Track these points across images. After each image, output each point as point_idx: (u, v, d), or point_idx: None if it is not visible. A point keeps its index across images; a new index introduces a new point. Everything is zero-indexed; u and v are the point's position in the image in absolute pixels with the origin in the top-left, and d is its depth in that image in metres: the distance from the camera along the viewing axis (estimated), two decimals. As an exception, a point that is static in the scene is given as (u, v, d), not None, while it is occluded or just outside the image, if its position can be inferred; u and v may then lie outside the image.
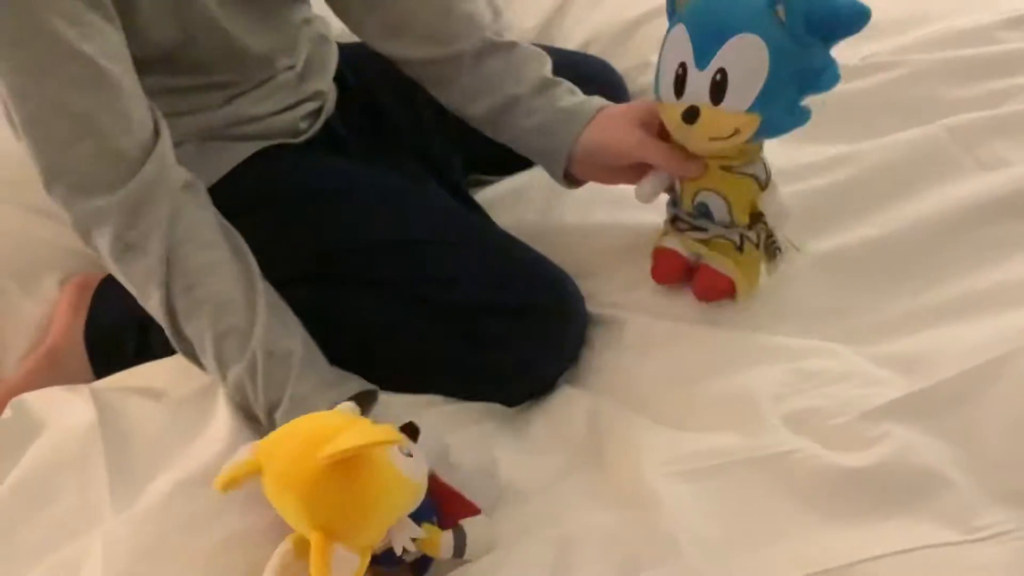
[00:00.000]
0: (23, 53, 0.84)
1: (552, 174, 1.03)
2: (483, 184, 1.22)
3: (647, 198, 0.96)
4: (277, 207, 1.02)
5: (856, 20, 0.82)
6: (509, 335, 0.96)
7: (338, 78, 1.19)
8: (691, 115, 0.86)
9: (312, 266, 1.00)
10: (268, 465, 0.74)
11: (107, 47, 0.87)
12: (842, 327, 0.93)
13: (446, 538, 0.80)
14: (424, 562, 0.82)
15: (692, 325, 0.96)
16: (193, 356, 0.90)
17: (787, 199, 0.93)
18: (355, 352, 0.93)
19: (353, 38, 1.10)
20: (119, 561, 0.79)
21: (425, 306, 0.96)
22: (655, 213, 1.01)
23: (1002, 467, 0.77)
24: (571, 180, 1.03)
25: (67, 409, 0.95)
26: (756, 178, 0.92)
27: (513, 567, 0.78)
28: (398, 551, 0.77)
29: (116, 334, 1.07)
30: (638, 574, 0.72)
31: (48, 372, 1.06)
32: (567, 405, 0.95)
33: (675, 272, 0.98)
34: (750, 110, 0.84)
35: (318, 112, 1.14)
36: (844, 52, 1.08)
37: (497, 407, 0.97)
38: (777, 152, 1.00)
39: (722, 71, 0.84)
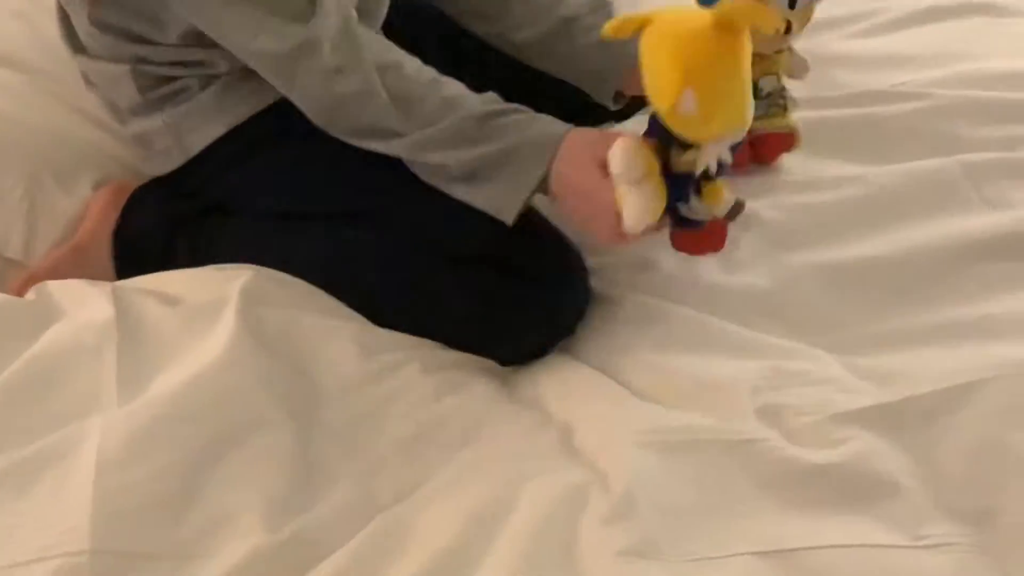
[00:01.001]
0: None
1: (602, 93, 1.10)
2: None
3: None
4: (309, 142, 1.06)
5: None
6: (513, 298, 1.00)
7: (386, 23, 1.23)
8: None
9: (337, 204, 1.05)
10: (655, 20, 0.84)
11: None
12: (829, 335, 0.97)
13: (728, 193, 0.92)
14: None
15: (688, 311, 1.00)
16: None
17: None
18: (362, 289, 0.98)
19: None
20: (114, 444, 0.82)
21: (437, 251, 1.00)
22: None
23: (956, 486, 0.81)
24: (617, 97, 1.10)
25: (87, 301, 1.00)
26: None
27: (468, 497, 0.82)
28: (712, 166, 0.89)
29: (144, 240, 1.11)
30: (593, 524, 0.76)
31: (73, 266, 1.11)
32: (556, 370, 0.99)
33: (741, 154, 1.02)
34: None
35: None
36: (876, 78, 1.13)
37: (489, 362, 1.02)
38: (796, 165, 1.04)
39: None
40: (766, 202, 1.07)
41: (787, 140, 1.12)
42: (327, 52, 0.95)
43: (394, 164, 1.05)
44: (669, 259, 1.04)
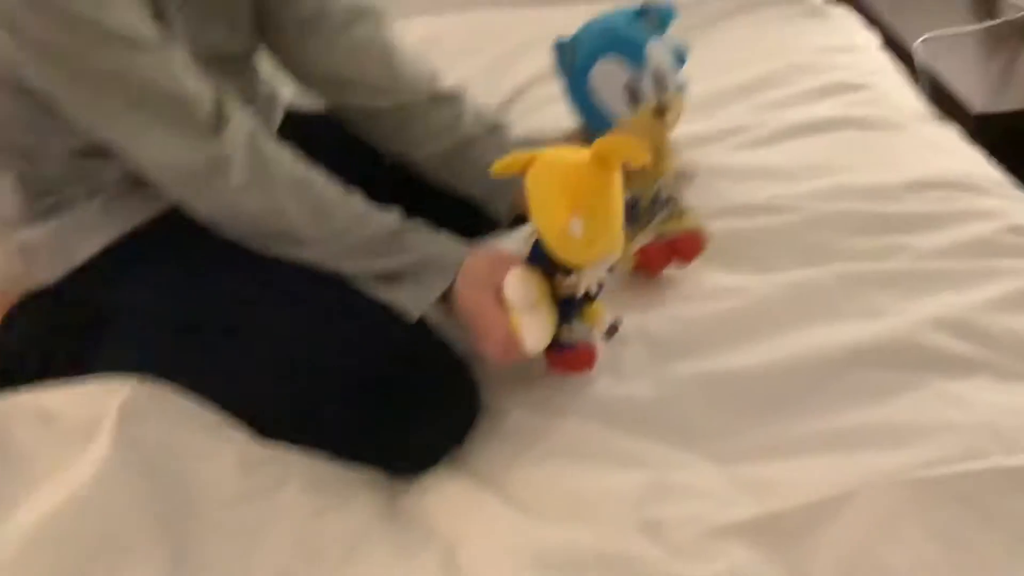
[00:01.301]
0: None
1: (496, 211, 1.16)
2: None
3: None
4: (193, 254, 1.06)
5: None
6: (401, 410, 1.00)
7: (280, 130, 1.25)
8: (661, 110, 1.08)
9: (221, 316, 1.04)
10: (540, 158, 0.91)
11: None
12: (712, 445, 0.99)
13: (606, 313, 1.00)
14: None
15: (572, 422, 1.01)
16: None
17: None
18: (244, 402, 0.97)
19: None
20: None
21: (323, 364, 1.00)
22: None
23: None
24: (510, 213, 1.17)
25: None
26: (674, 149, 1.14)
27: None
28: (593, 288, 0.96)
29: (23, 353, 1.09)
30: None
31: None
32: (443, 483, 0.99)
33: (661, 257, 1.13)
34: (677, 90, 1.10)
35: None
36: (750, 190, 1.17)
37: (376, 474, 1.01)
38: (679, 277, 1.06)
39: (657, 71, 1.08)
40: (651, 315, 1.09)
41: (698, 241, 1.15)
42: (236, 168, 0.96)
43: (279, 279, 1.05)
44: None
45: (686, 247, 1.13)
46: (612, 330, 1.01)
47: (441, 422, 1.02)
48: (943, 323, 1.10)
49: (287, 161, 1.01)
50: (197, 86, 0.97)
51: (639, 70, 1.08)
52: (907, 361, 1.06)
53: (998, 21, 2.04)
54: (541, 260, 0.96)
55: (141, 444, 0.93)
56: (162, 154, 0.96)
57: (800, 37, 1.60)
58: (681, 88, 1.12)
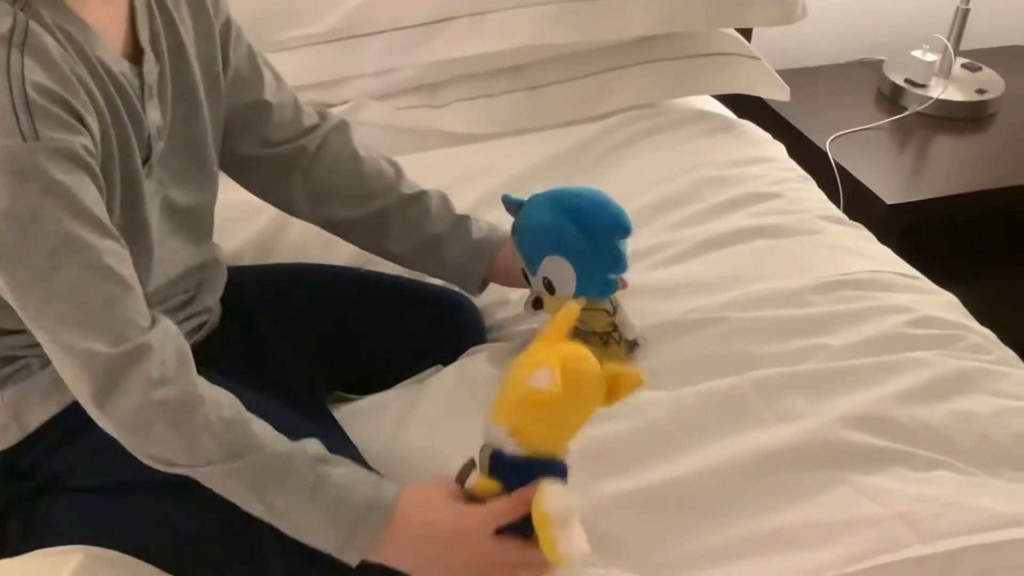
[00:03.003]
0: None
1: (468, 288, 1.30)
2: (345, 401, 1.31)
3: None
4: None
5: (623, 228, 1.16)
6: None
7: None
8: (537, 303, 1.20)
9: (161, 476, 1.07)
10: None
11: None
12: (644, 558, 1.03)
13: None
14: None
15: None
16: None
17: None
18: (189, 562, 1.02)
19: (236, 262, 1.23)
20: None
21: (260, 523, 1.01)
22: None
23: None
24: (480, 289, 1.29)
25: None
26: (607, 310, 1.20)
27: None
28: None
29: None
30: None
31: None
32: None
33: None
34: (575, 296, 1.16)
35: (201, 327, 1.24)
36: (670, 306, 1.23)
37: None
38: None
39: (546, 279, 1.18)
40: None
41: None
42: (155, 360, 0.94)
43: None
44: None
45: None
46: None
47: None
48: (857, 419, 1.16)
49: (207, 384, 0.98)
50: (137, 286, 0.97)
51: (531, 267, 1.19)
52: (824, 460, 1.12)
53: (904, 115, 2.16)
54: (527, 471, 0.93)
55: (92, 612, 0.95)
56: (85, 341, 0.92)
57: (711, 153, 1.69)
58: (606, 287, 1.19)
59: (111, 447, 1.09)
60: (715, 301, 1.33)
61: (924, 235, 1.91)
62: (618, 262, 1.17)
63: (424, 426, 1.19)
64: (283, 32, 1.70)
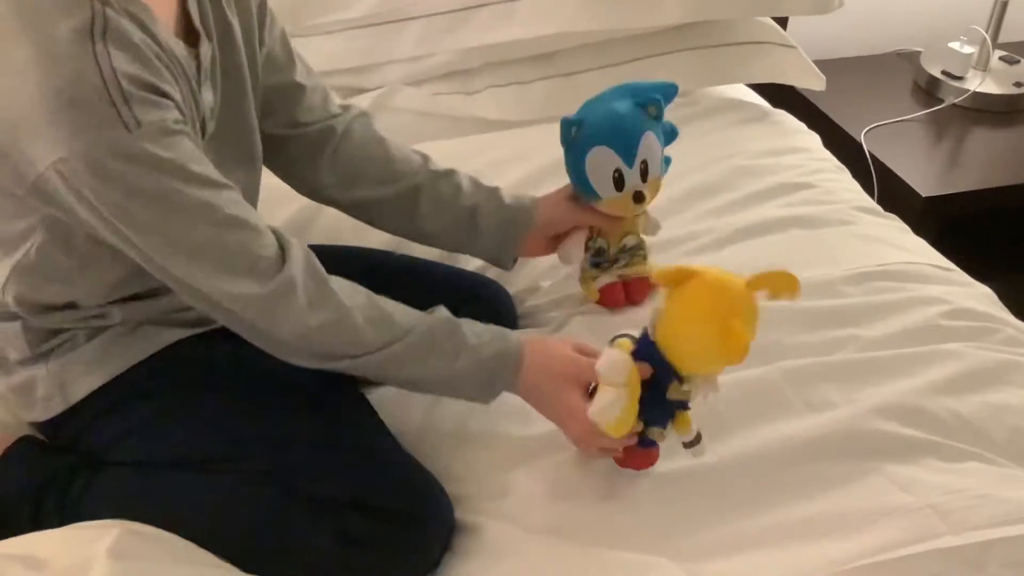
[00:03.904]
0: None
1: (503, 261, 1.32)
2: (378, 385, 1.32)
3: (571, 259, 1.30)
4: (177, 393, 1.12)
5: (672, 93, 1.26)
6: (375, 536, 1.04)
7: None
8: (640, 197, 1.22)
9: (200, 452, 1.09)
10: (699, 275, 0.98)
11: None
12: (674, 545, 1.04)
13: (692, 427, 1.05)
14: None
15: (545, 536, 1.06)
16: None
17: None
18: (227, 536, 1.03)
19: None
20: None
21: (299, 496, 1.05)
22: (519, 424, 1.15)
23: None
24: (515, 261, 1.32)
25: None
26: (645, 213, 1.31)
27: None
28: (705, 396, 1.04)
29: (12, 502, 1.14)
30: None
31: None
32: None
33: (618, 296, 1.32)
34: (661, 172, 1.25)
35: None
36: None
37: None
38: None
39: (644, 162, 1.21)
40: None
41: (648, 283, 1.33)
42: (301, 289, 1.02)
43: (258, 413, 1.11)
44: (526, 485, 1.11)
45: (636, 290, 1.32)
46: (695, 441, 1.06)
47: (415, 545, 1.06)
48: (889, 410, 1.16)
49: (338, 279, 1.07)
50: (259, 218, 1.03)
51: (629, 159, 1.21)
52: (856, 450, 1.12)
53: (940, 107, 2.14)
54: (655, 361, 1.01)
55: (129, 586, 0.97)
56: (236, 286, 1.00)
57: (745, 142, 1.68)
58: (664, 166, 1.27)
59: (153, 422, 1.12)
60: (747, 291, 1.32)
61: (960, 228, 1.90)
62: (674, 131, 1.27)
63: (456, 410, 1.20)
64: (319, 17, 1.72)
